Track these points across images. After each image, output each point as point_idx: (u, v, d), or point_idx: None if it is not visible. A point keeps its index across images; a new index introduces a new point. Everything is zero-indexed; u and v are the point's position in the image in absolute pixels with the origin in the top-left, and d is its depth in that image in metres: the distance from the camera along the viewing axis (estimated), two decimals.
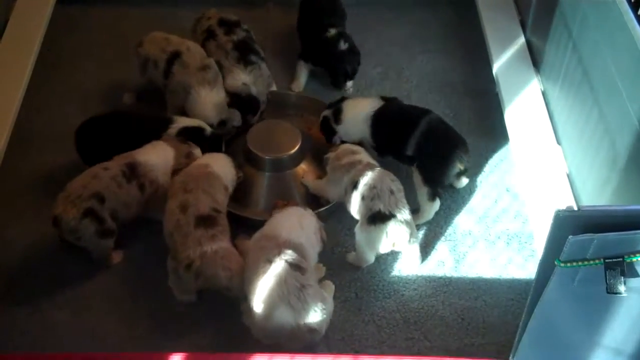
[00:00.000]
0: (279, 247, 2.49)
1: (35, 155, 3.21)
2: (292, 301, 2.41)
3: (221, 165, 2.88)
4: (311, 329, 2.45)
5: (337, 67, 3.46)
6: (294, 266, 2.45)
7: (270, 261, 2.46)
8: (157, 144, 2.91)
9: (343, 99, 3.20)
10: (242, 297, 2.59)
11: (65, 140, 3.12)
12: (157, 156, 2.86)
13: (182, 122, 3.04)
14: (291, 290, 2.41)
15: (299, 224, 2.62)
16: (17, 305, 2.71)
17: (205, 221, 2.63)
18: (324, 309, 2.47)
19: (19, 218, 2.96)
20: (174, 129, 2.99)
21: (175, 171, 2.85)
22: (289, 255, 2.47)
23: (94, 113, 3.12)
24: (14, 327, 2.65)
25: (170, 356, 2.43)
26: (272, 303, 2.42)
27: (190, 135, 3.01)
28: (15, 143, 3.18)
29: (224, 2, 3.85)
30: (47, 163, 3.17)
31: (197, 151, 2.94)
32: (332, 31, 3.46)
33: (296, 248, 2.52)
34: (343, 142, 3.13)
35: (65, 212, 2.67)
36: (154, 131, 2.98)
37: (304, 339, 2.47)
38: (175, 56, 3.22)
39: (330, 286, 2.71)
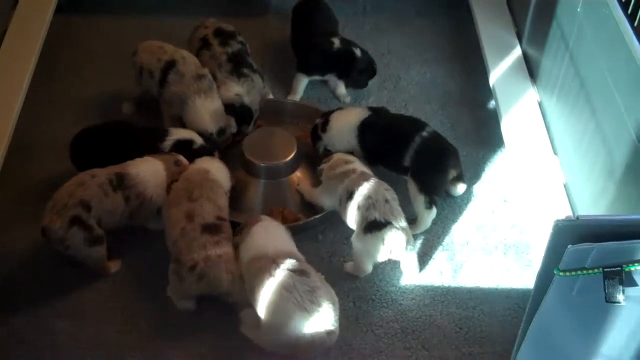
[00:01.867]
0: (274, 261, 2.49)
1: (33, 163, 3.21)
2: (306, 306, 2.41)
3: (220, 171, 2.90)
4: (329, 331, 2.45)
5: (362, 72, 3.51)
6: (298, 272, 2.46)
7: (273, 275, 2.46)
8: (146, 158, 2.90)
9: (338, 109, 3.21)
10: (240, 305, 2.61)
11: (63, 150, 3.11)
12: (148, 169, 2.86)
13: (177, 134, 3.05)
14: (304, 295, 2.41)
15: (278, 234, 2.64)
16: (15, 312, 2.71)
17: (211, 229, 2.65)
18: (336, 308, 2.48)
19: (18, 226, 2.96)
20: (169, 141, 3.00)
21: (172, 181, 2.85)
22: (288, 263, 2.48)
23: (92, 122, 3.13)
24: (12, 335, 2.65)
25: None
26: (288, 313, 2.41)
27: (183, 148, 3.01)
28: (14, 152, 3.18)
29: (223, 11, 3.87)
30: (45, 172, 3.17)
31: (180, 157, 2.95)
32: (337, 42, 3.48)
33: (290, 255, 2.53)
34: (327, 151, 3.16)
35: (52, 222, 2.67)
36: (150, 143, 2.99)
37: (323, 342, 2.46)
38: (170, 65, 3.22)
39: None
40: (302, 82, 3.54)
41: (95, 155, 3.00)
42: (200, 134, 3.12)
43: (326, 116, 3.17)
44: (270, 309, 2.44)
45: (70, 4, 3.94)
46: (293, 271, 2.46)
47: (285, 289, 2.43)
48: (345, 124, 3.11)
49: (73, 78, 3.64)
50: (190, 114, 3.18)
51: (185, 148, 3.00)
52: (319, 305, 2.43)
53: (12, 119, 3.22)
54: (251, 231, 2.65)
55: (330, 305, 2.46)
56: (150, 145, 2.98)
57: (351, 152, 3.11)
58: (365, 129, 3.09)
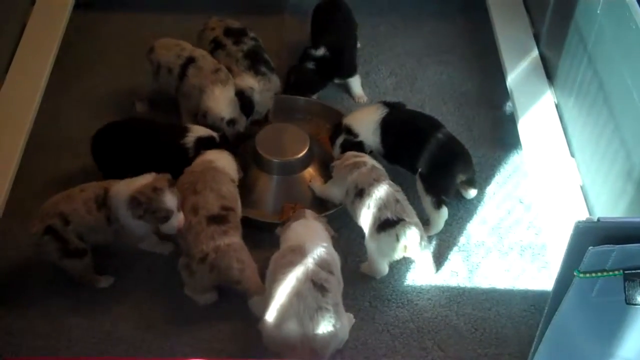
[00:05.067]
0: (307, 265, 2.48)
1: (50, 160, 3.24)
2: (304, 320, 2.40)
3: (224, 159, 2.92)
4: (313, 351, 2.44)
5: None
6: (318, 286, 2.43)
7: (298, 278, 2.44)
8: (145, 176, 2.70)
9: (340, 122, 3.18)
10: (250, 294, 2.63)
11: (79, 146, 3.15)
12: (124, 192, 2.67)
13: (197, 131, 3.05)
14: (307, 311, 2.40)
15: (318, 233, 2.63)
16: (31, 308, 2.73)
17: (217, 219, 2.67)
18: (334, 335, 2.44)
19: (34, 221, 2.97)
20: (190, 137, 3.00)
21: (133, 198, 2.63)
22: (316, 273, 2.46)
23: (108, 119, 3.14)
24: (28, 330, 2.66)
25: None
26: (286, 317, 2.41)
27: (205, 144, 3.01)
28: (31, 148, 3.20)
29: (238, 9, 3.89)
30: (62, 168, 3.20)
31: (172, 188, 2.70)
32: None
33: (324, 262, 2.51)
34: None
35: (32, 226, 2.67)
36: (171, 139, 3.00)
37: (305, 357, 2.45)
38: (190, 61, 3.25)
39: (349, 319, 2.68)
40: None
41: (116, 151, 3.02)
42: (211, 126, 3.13)
43: (339, 128, 3.14)
44: (274, 304, 2.44)
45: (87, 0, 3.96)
46: (314, 283, 2.44)
47: (296, 296, 2.42)
48: (368, 123, 3.10)
49: (90, 74, 3.66)
50: (207, 100, 3.19)
51: (207, 145, 3.00)
52: (317, 325, 2.41)
53: (31, 115, 3.25)
54: (291, 226, 2.66)
55: (329, 330, 2.42)
56: (170, 142, 2.99)
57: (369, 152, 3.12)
58: (386, 125, 3.08)
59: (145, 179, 2.66)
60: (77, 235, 2.68)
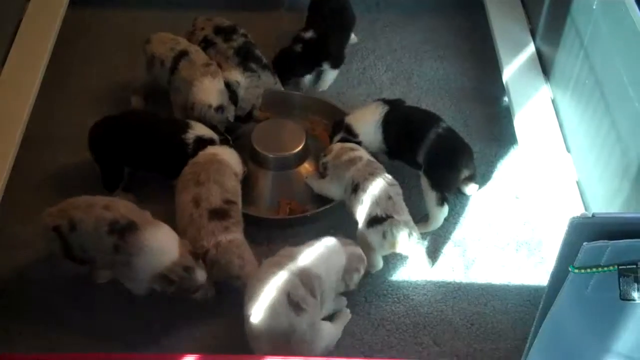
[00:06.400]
0: (292, 272, 2.45)
1: (46, 155, 3.23)
2: (277, 337, 2.39)
3: (228, 153, 2.92)
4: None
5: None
6: (293, 304, 2.39)
7: (275, 285, 2.41)
8: (169, 231, 2.63)
9: (341, 120, 3.17)
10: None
11: (76, 142, 3.14)
12: (163, 239, 2.60)
13: (198, 129, 3.03)
14: (279, 327, 2.38)
15: (324, 256, 2.56)
16: (31, 305, 2.73)
17: (218, 214, 2.67)
18: (308, 350, 2.42)
19: (32, 218, 2.94)
20: (191, 134, 2.99)
21: (165, 279, 2.57)
22: (294, 287, 2.41)
23: (104, 115, 3.12)
24: (27, 327, 2.67)
25: (183, 357, 2.43)
26: (258, 329, 2.40)
27: (204, 145, 3.00)
28: (27, 144, 3.19)
29: (235, 6, 3.89)
30: (58, 163, 3.20)
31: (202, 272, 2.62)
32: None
33: (309, 279, 2.46)
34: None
35: (48, 215, 2.65)
36: (171, 134, 3.01)
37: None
38: (183, 54, 3.26)
39: (346, 315, 2.68)
40: (305, 77, 3.56)
41: (114, 144, 3.02)
42: (198, 118, 3.13)
43: (341, 124, 3.13)
44: (252, 311, 2.42)
45: None
46: (290, 300, 2.39)
47: (270, 312, 2.38)
48: (369, 123, 3.09)
49: (86, 70, 3.65)
50: (196, 92, 3.18)
51: (206, 144, 2.99)
52: (289, 342, 2.39)
53: (26, 110, 3.24)
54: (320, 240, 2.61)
55: (302, 346, 2.40)
56: (171, 136, 2.99)
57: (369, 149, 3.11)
58: (388, 124, 3.08)
59: (172, 244, 2.58)
60: (81, 246, 2.63)
